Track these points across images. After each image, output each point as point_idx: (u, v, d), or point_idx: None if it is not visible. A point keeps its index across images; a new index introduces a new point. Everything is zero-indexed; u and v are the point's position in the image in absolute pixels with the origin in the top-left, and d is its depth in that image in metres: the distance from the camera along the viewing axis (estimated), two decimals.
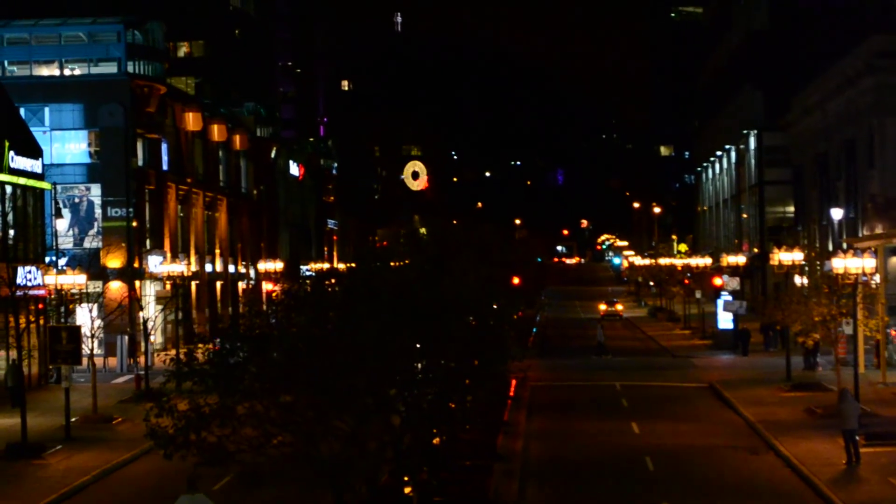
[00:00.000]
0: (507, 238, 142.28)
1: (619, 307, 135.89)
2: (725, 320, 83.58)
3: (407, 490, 30.46)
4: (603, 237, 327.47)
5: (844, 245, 70.66)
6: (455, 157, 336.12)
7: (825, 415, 47.49)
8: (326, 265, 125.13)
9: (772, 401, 54.72)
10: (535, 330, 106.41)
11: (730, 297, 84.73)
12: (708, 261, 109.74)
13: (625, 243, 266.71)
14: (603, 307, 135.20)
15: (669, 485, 38.24)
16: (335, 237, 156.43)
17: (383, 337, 25.86)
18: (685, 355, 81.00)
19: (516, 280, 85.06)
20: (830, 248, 79.48)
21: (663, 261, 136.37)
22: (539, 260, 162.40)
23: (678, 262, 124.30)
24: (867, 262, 49.90)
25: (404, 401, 27.68)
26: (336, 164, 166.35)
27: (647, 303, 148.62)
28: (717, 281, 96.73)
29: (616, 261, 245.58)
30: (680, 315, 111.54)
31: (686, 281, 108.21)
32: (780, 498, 36.29)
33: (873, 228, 68.51)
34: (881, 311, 56.35)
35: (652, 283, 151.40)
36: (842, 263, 49.71)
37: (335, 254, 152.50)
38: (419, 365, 28.32)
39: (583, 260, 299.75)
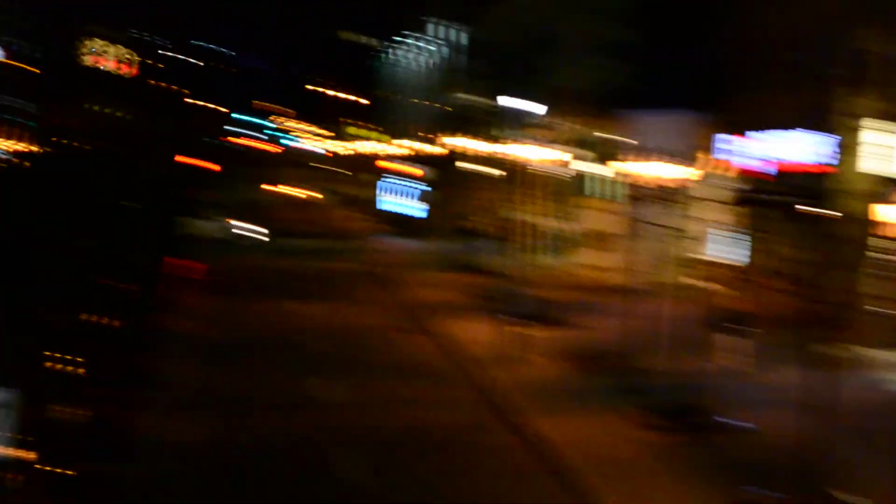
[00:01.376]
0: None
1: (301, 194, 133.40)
2: (394, 204, 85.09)
3: None
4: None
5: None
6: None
7: (485, 297, 48.05)
8: None
9: (435, 283, 55.53)
10: None
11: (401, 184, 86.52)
12: (404, 151, 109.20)
13: (304, 125, 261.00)
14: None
15: (321, 362, 38.32)
16: None
17: None
18: (361, 239, 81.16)
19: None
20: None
21: (352, 146, 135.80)
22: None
23: (368, 148, 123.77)
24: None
25: None
26: None
27: (337, 191, 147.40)
28: (383, 164, 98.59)
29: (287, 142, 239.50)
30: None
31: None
32: (432, 375, 36.70)
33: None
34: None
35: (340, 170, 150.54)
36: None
37: None
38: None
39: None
